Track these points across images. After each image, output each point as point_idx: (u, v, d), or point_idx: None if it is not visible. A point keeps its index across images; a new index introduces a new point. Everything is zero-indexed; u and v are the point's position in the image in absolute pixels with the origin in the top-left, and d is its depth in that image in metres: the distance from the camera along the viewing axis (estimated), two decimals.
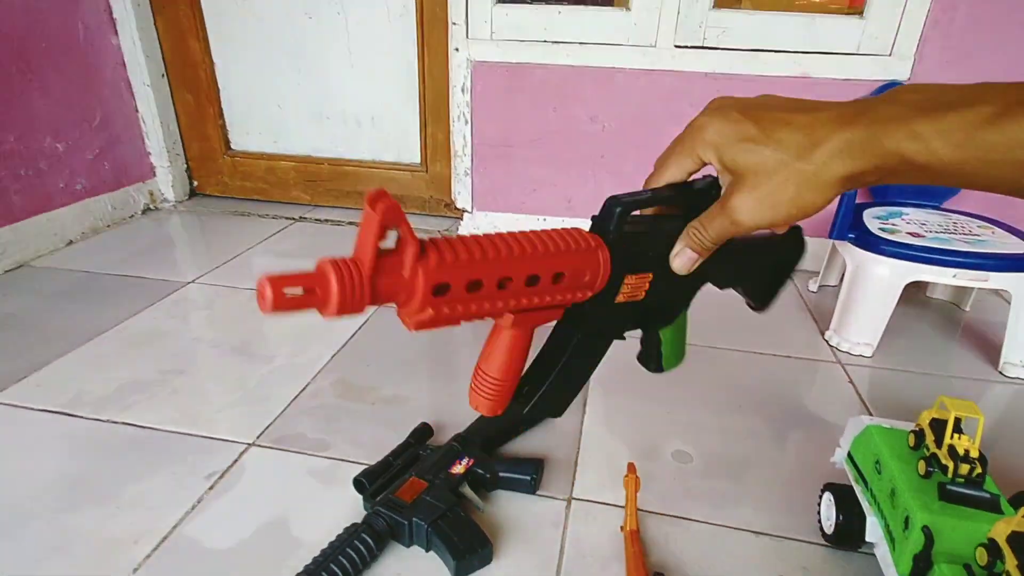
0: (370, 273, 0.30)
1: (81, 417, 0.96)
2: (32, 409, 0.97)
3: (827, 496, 0.77)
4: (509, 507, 0.81)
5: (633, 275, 0.41)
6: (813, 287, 1.52)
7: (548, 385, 0.41)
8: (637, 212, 0.41)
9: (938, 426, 0.67)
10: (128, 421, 0.95)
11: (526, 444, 0.93)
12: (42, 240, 1.54)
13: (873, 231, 1.19)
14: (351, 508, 0.79)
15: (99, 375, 1.06)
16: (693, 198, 0.41)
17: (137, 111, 1.81)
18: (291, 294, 0.29)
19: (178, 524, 0.76)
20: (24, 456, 0.87)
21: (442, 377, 1.11)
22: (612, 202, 0.38)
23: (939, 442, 0.66)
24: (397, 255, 0.30)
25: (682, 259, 0.41)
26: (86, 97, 1.64)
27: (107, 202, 1.73)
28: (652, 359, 0.50)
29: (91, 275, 1.46)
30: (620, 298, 0.41)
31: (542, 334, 0.41)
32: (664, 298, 0.44)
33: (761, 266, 0.50)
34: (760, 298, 0.52)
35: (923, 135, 0.31)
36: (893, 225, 1.23)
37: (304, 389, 1.05)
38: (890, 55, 1.40)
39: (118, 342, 1.17)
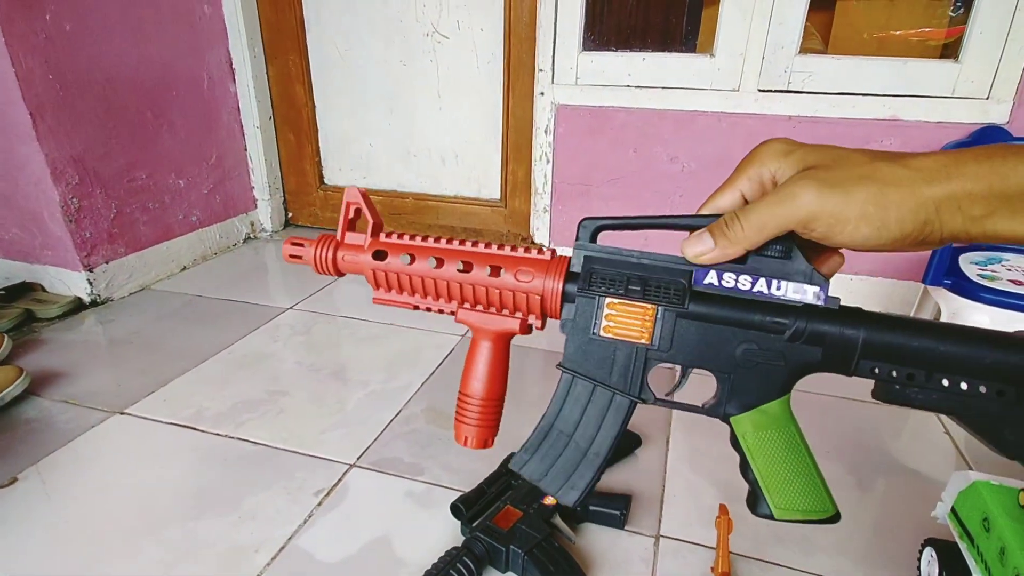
0: (336, 244, 0.43)
1: (203, 431, 1.05)
2: (161, 422, 1.07)
3: (928, 551, 0.75)
4: (598, 540, 0.83)
5: (619, 300, 0.36)
6: None
7: (539, 435, 0.38)
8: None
9: None
10: (242, 437, 1.04)
11: (611, 479, 0.95)
12: (161, 266, 1.70)
13: (971, 277, 1.16)
14: (449, 532, 0.83)
15: (215, 393, 1.16)
16: None
17: (246, 150, 1.99)
18: (295, 252, 0.45)
19: (292, 536, 0.83)
20: (157, 465, 0.97)
21: (526, 407, 1.15)
22: (586, 220, 0.37)
23: None
24: (364, 235, 0.42)
25: (693, 243, 0.34)
26: (206, 138, 1.82)
27: (216, 232, 1.89)
28: (749, 484, 0.36)
29: (202, 298, 1.60)
30: (605, 331, 0.36)
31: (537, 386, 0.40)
32: (688, 350, 0.35)
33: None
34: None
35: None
36: (993, 272, 1.19)
37: (398, 414, 1.11)
38: (987, 98, 1.37)
39: (229, 363, 1.28)
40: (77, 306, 1.50)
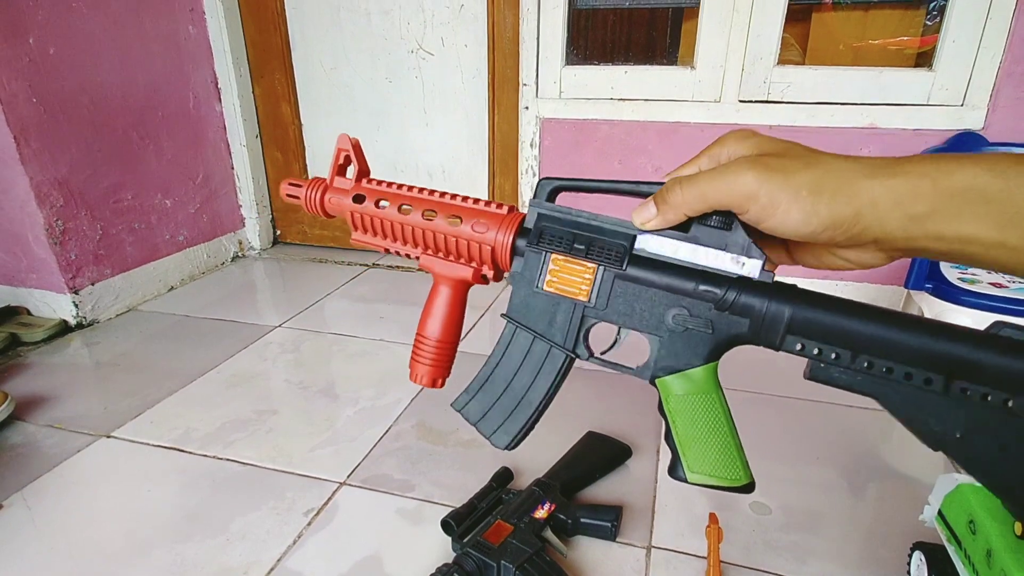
0: (325, 187, 0.47)
1: (191, 453, 1.04)
2: (148, 444, 1.07)
3: (918, 555, 0.76)
4: (590, 553, 0.83)
5: (563, 257, 0.37)
6: None
7: (480, 380, 0.39)
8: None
9: None
10: (231, 457, 1.03)
11: (603, 490, 0.95)
12: (148, 286, 1.69)
13: (952, 281, 1.18)
14: (440, 548, 0.83)
15: (204, 413, 1.16)
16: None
17: (233, 168, 1.99)
18: (291, 192, 0.49)
19: (282, 557, 0.82)
20: (144, 488, 0.96)
21: None
22: (544, 180, 0.40)
23: None
24: (351, 180, 0.46)
25: (640, 211, 0.35)
26: (192, 158, 1.82)
27: (203, 251, 1.89)
28: (670, 449, 0.36)
29: (190, 318, 1.59)
30: (548, 285, 0.37)
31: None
32: (623, 310, 0.36)
33: None
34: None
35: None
36: (973, 275, 1.21)
37: (388, 431, 1.11)
38: (962, 105, 1.40)
39: (217, 383, 1.27)
40: (63, 329, 1.49)
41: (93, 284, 1.53)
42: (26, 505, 0.91)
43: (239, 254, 2.06)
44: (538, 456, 1.02)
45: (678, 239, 0.35)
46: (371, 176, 0.47)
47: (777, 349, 0.33)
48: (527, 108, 1.67)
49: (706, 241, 0.34)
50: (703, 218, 0.35)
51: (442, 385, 0.42)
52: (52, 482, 0.97)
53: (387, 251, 0.45)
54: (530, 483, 0.90)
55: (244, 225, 2.07)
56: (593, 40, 1.79)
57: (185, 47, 1.75)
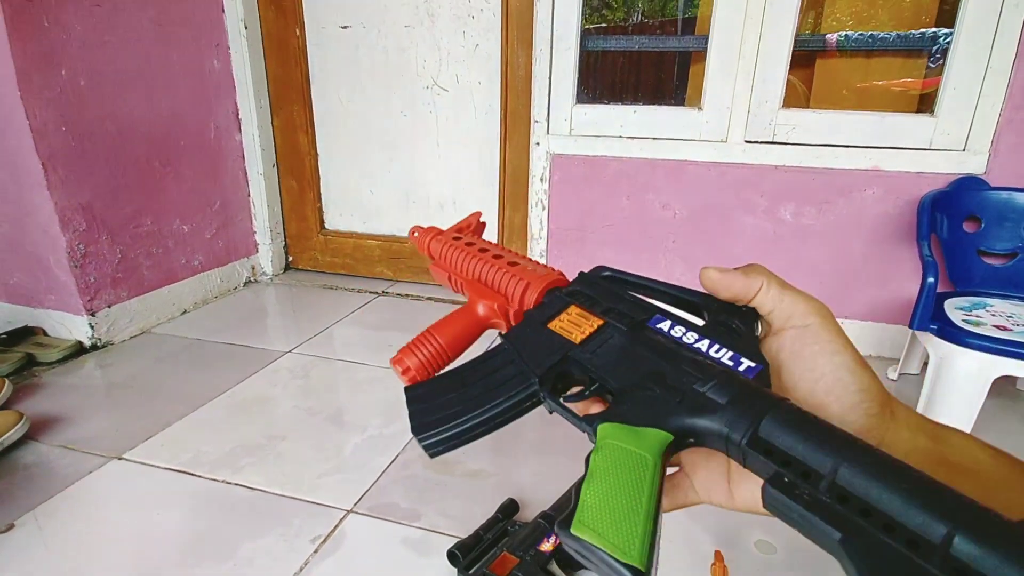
0: (435, 235, 0.51)
1: (200, 476, 1.05)
2: (159, 467, 1.08)
3: None
4: None
5: (579, 309, 0.36)
6: (893, 375, 1.50)
7: (439, 378, 0.37)
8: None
9: None
10: (240, 482, 1.04)
11: None
12: (163, 310, 1.72)
13: (956, 322, 1.19)
14: None
15: (214, 437, 1.17)
16: (717, 311, 0.33)
17: (249, 196, 2.04)
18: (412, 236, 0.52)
19: None
20: (154, 511, 0.97)
21: (522, 454, 1.16)
22: (599, 268, 0.39)
23: None
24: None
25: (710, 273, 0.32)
26: (211, 185, 1.87)
27: (217, 276, 1.92)
28: (572, 501, 0.28)
29: (202, 342, 1.61)
30: (551, 325, 0.36)
31: None
32: (606, 362, 0.34)
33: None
34: None
35: None
36: (978, 317, 1.22)
37: (395, 459, 1.12)
38: (964, 150, 1.43)
39: (228, 407, 1.29)
40: (78, 350, 1.51)
41: (110, 306, 1.56)
42: (37, 525, 0.93)
43: (252, 279, 2.09)
44: (543, 488, 1.02)
45: (689, 328, 0.33)
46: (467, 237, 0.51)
47: (741, 459, 0.27)
48: (538, 144, 1.72)
49: (714, 336, 0.32)
50: (727, 317, 0.32)
51: (410, 382, 0.39)
52: (64, 503, 0.98)
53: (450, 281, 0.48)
54: (536, 515, 0.90)
55: (258, 251, 2.11)
56: (603, 80, 1.84)
57: (209, 80, 1.82)
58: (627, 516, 0.26)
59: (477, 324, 0.42)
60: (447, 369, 0.39)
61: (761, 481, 0.25)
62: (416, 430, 0.34)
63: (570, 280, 0.40)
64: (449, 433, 0.34)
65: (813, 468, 0.24)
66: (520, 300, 0.40)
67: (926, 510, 0.20)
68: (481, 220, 0.51)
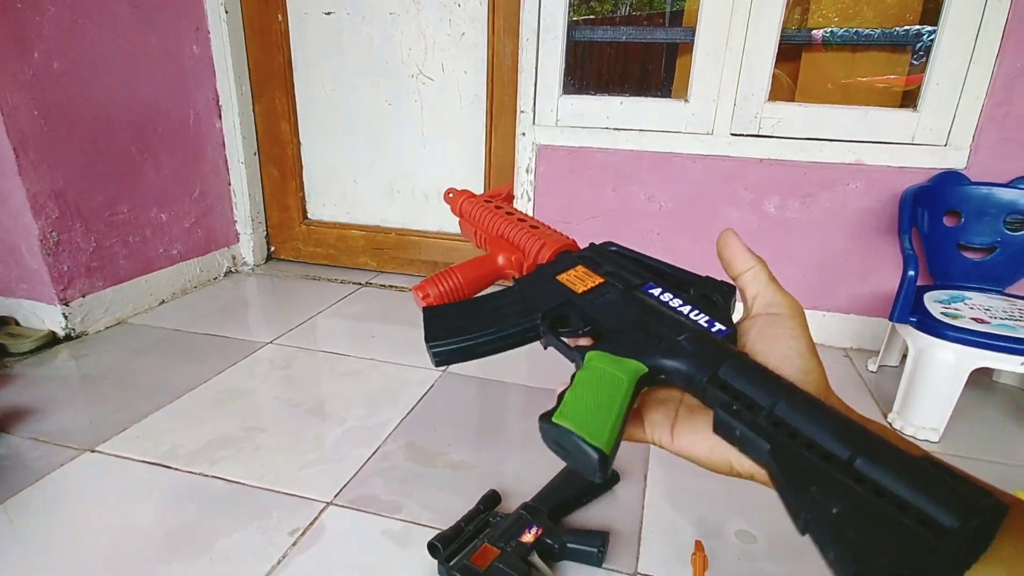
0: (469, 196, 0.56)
1: (176, 469, 1.04)
2: (134, 460, 1.06)
3: None
4: None
5: (585, 268, 0.42)
6: (872, 367, 1.51)
7: (455, 304, 0.42)
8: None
9: None
10: (217, 475, 1.02)
11: (589, 515, 0.95)
12: (140, 300, 1.69)
13: (935, 315, 1.20)
14: (426, 571, 0.83)
15: (190, 429, 1.15)
16: (702, 287, 0.38)
17: (230, 184, 2.00)
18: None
19: None
20: (128, 505, 0.95)
21: (505, 445, 1.15)
22: (608, 243, 0.44)
23: None
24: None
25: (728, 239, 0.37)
26: (190, 173, 1.83)
27: (196, 265, 1.89)
28: (557, 401, 0.34)
29: (180, 333, 1.58)
30: (559, 277, 0.41)
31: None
32: (601, 311, 0.39)
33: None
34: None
35: None
36: (956, 310, 1.24)
37: (376, 451, 1.11)
38: (945, 145, 1.44)
39: (206, 398, 1.27)
40: (51, 340, 1.48)
41: (84, 296, 1.53)
42: (8, 519, 0.90)
43: (232, 269, 2.06)
44: (526, 480, 1.02)
45: (676, 295, 0.38)
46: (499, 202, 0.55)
47: (700, 395, 0.32)
48: (524, 135, 1.71)
49: (697, 303, 0.37)
50: (710, 292, 0.37)
51: (427, 305, 0.43)
52: (35, 496, 0.96)
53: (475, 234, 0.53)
54: (518, 507, 0.90)
55: (238, 240, 2.08)
56: (590, 71, 1.83)
57: (189, 65, 1.78)
58: (599, 415, 0.31)
59: (494, 271, 0.47)
60: (466, 300, 0.44)
61: (698, 431, 0.33)
62: (428, 338, 0.38)
63: (582, 248, 0.45)
64: (456, 345, 0.38)
65: (757, 402, 0.29)
66: (535, 255, 0.45)
67: (837, 437, 0.26)
68: (512, 192, 0.56)
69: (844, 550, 0.23)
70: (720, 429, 0.30)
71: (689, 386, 0.33)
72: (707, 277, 0.39)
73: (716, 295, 0.37)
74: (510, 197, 0.56)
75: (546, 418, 0.32)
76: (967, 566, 0.22)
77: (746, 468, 0.31)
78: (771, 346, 0.32)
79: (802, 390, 0.30)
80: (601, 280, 0.40)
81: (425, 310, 0.41)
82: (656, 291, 0.38)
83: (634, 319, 0.37)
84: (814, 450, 0.26)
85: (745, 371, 0.31)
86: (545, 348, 0.40)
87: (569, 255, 0.43)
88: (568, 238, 0.46)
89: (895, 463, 0.25)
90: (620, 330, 0.36)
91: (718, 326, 0.35)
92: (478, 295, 0.44)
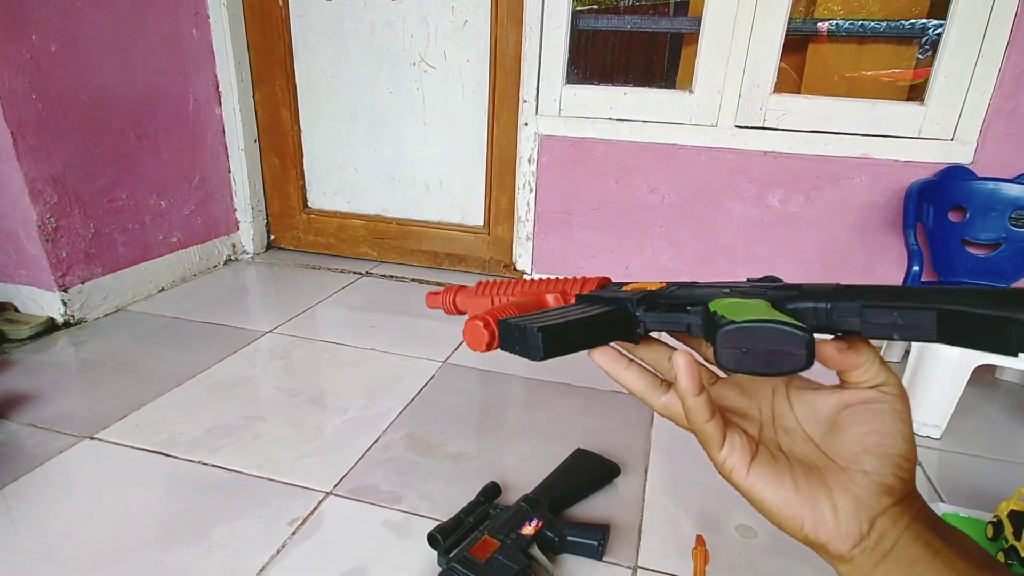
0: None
1: (175, 457, 1.03)
2: (132, 448, 1.05)
3: None
4: (576, 572, 0.83)
5: (639, 283, 0.40)
6: None
7: (541, 315, 0.37)
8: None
9: (1017, 518, 0.67)
10: (216, 464, 1.02)
11: (590, 508, 0.95)
12: (139, 287, 1.68)
13: None
14: (425, 562, 0.82)
15: (190, 418, 1.15)
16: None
17: (230, 172, 1.99)
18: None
19: (264, 567, 0.81)
20: (127, 492, 0.95)
21: (505, 437, 1.15)
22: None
23: (1018, 534, 0.66)
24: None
25: (680, 367, 0.31)
26: (189, 159, 1.82)
27: (196, 253, 1.88)
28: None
29: (180, 320, 1.58)
30: (626, 288, 0.40)
31: None
32: (685, 297, 0.36)
33: None
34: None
35: None
36: None
37: (376, 441, 1.10)
38: (952, 139, 1.43)
39: (205, 387, 1.26)
40: (50, 327, 1.47)
41: (83, 283, 1.52)
42: (6, 505, 0.90)
43: (232, 257, 2.05)
44: (526, 472, 1.02)
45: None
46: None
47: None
48: (526, 124, 1.69)
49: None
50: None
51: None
52: (33, 482, 0.95)
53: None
54: (518, 499, 0.89)
55: (238, 229, 2.07)
56: (594, 60, 1.81)
57: (188, 50, 1.76)
58: (769, 313, 0.28)
59: (544, 304, 0.42)
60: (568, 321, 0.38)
61: (781, 477, 0.32)
62: (530, 327, 0.33)
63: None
64: (561, 325, 0.33)
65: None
66: (581, 287, 0.41)
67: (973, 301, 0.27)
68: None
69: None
70: (873, 324, 0.29)
71: (815, 315, 0.31)
72: (749, 279, 0.37)
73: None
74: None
75: (725, 325, 0.28)
76: None
77: (820, 534, 0.30)
78: (879, 422, 0.30)
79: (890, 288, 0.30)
80: (662, 283, 0.38)
81: (504, 321, 0.36)
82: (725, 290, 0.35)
83: (719, 293, 0.33)
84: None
85: (864, 288, 0.30)
86: (638, 339, 0.36)
87: (612, 284, 0.41)
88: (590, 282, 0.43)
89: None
90: (713, 296, 0.33)
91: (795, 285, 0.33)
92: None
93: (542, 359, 0.32)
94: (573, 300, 0.41)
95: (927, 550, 0.28)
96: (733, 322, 0.28)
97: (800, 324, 0.27)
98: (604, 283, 0.42)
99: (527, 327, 0.32)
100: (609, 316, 0.35)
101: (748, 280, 0.35)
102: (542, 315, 0.36)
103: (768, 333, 0.27)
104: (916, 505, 0.30)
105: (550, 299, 0.42)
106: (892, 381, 0.31)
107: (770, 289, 0.33)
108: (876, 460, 0.29)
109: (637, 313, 0.35)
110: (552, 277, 0.44)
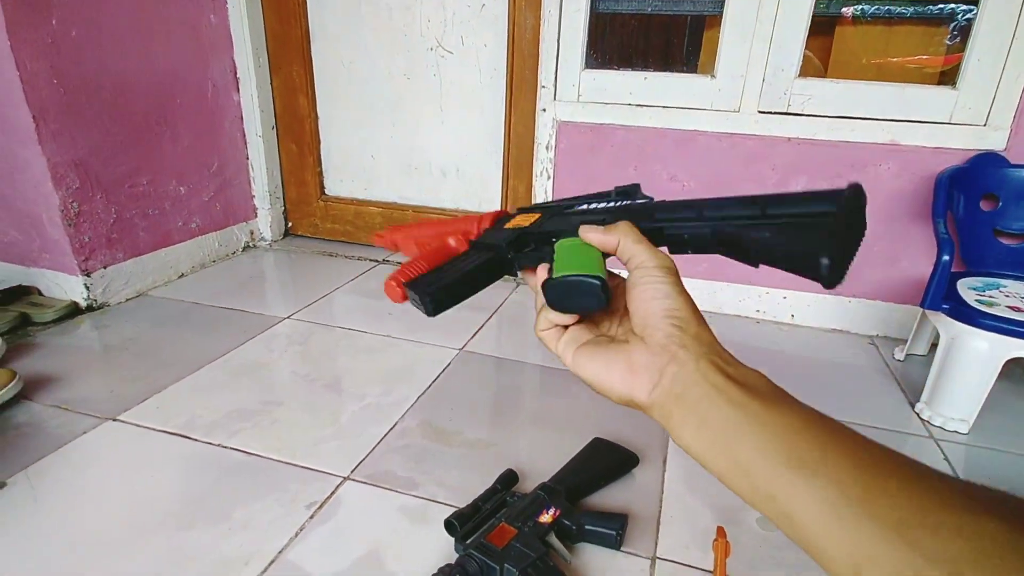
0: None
1: (195, 440, 1.04)
2: (153, 429, 1.06)
3: None
4: (594, 561, 0.82)
5: (524, 214, 0.48)
6: (900, 355, 1.48)
7: (439, 271, 0.45)
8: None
9: None
10: (235, 447, 1.03)
11: (608, 498, 0.94)
12: (159, 272, 1.70)
13: (970, 303, 1.16)
14: (442, 548, 0.82)
15: (209, 401, 1.15)
16: (621, 194, 0.44)
17: (247, 158, 1.99)
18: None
19: (283, 549, 0.82)
20: (147, 473, 0.96)
21: (522, 425, 1.14)
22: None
23: None
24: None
25: (591, 229, 0.40)
26: (208, 146, 1.82)
27: (215, 239, 1.89)
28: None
29: (199, 306, 1.59)
30: (507, 225, 0.47)
31: None
32: (549, 227, 0.45)
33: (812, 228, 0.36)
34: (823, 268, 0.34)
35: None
36: (991, 297, 1.20)
37: (393, 428, 1.10)
38: (985, 125, 1.38)
39: (225, 371, 1.27)
40: (73, 311, 1.49)
41: (105, 267, 1.54)
42: (29, 484, 0.91)
43: (250, 244, 2.06)
44: (543, 460, 1.01)
45: (600, 201, 0.44)
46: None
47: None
48: (544, 110, 1.67)
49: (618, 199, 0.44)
50: (628, 193, 0.44)
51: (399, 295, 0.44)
52: (56, 463, 0.97)
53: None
54: (535, 487, 0.89)
55: (256, 215, 2.08)
56: (613, 44, 1.78)
57: (206, 35, 1.76)
58: (586, 262, 0.38)
59: (449, 250, 0.48)
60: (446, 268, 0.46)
61: (596, 358, 0.38)
62: (416, 288, 0.42)
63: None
64: (439, 284, 0.42)
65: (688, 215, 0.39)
66: (478, 225, 0.49)
67: (747, 205, 0.35)
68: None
69: (776, 259, 0.34)
70: (670, 241, 0.39)
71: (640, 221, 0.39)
72: (616, 187, 0.45)
73: (632, 194, 0.44)
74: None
75: (549, 278, 0.38)
76: (863, 224, 0.35)
77: (624, 390, 0.36)
78: (641, 292, 0.36)
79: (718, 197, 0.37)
80: (539, 214, 0.46)
81: (407, 283, 0.44)
82: (583, 206, 0.45)
83: (575, 222, 0.42)
84: (738, 221, 0.36)
85: (672, 204, 0.39)
86: (517, 274, 0.46)
87: (506, 215, 0.49)
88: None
89: (786, 200, 0.34)
90: (569, 229, 0.42)
91: (640, 201, 0.43)
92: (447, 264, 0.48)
93: (434, 315, 0.41)
94: (474, 235, 0.49)
95: (711, 389, 0.32)
96: (551, 278, 0.38)
97: (596, 274, 0.36)
98: (499, 216, 0.50)
99: (420, 291, 0.41)
100: (488, 263, 0.44)
101: (615, 188, 0.45)
102: (439, 273, 0.44)
103: (573, 284, 0.37)
104: (702, 350, 0.33)
105: (452, 242, 0.48)
106: (642, 254, 0.37)
107: (620, 209, 0.41)
108: (652, 320, 0.35)
109: (510, 256, 0.44)
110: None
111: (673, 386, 0.33)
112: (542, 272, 0.41)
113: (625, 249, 0.38)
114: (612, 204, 0.43)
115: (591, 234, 0.39)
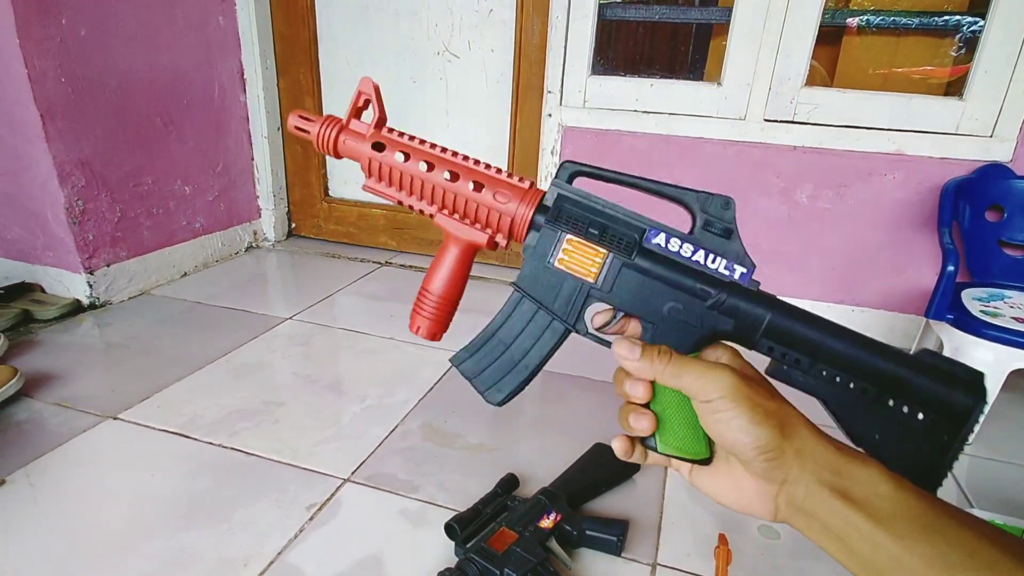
0: (341, 127, 0.44)
1: (196, 439, 1.04)
2: (154, 429, 1.06)
3: None
4: (594, 567, 0.81)
5: (577, 239, 0.39)
6: None
7: (480, 340, 0.42)
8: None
9: None
10: (236, 447, 1.02)
11: (609, 503, 0.94)
12: (162, 271, 1.70)
13: (974, 313, 1.16)
14: (442, 552, 0.82)
15: (210, 401, 1.15)
16: (703, 203, 0.38)
17: (253, 159, 2.00)
18: (301, 125, 0.45)
19: (282, 551, 0.81)
20: (148, 473, 0.95)
21: (524, 429, 1.14)
22: (567, 163, 0.42)
23: None
24: (368, 125, 0.44)
25: (623, 344, 0.37)
26: (213, 146, 1.83)
27: (219, 239, 1.89)
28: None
29: (202, 305, 1.59)
30: (559, 263, 0.39)
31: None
32: (627, 299, 0.39)
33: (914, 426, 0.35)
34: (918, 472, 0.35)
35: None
36: (996, 308, 1.19)
37: (394, 430, 1.10)
38: (991, 136, 1.38)
39: (226, 371, 1.27)
40: (75, 308, 1.49)
41: (108, 266, 1.54)
42: (29, 482, 0.91)
43: (253, 244, 2.06)
44: (544, 465, 1.00)
45: (683, 239, 0.38)
46: (388, 125, 0.45)
47: (751, 348, 0.38)
48: (550, 115, 1.67)
49: (707, 245, 0.38)
50: (707, 223, 0.38)
51: (439, 338, 0.44)
52: (56, 460, 0.96)
53: (400, 203, 0.45)
54: (536, 492, 0.88)
55: (260, 216, 2.08)
56: (620, 51, 1.79)
57: (214, 37, 1.76)
58: (689, 429, 0.36)
59: (464, 262, 0.44)
60: (482, 336, 0.43)
61: (719, 474, 0.38)
62: (492, 400, 0.42)
63: (539, 188, 0.43)
64: (516, 389, 0.42)
65: (802, 355, 0.36)
66: (508, 231, 0.42)
67: (865, 366, 0.35)
68: (372, 84, 0.44)
69: (886, 463, 0.32)
70: (776, 376, 0.37)
71: (738, 342, 0.37)
72: (699, 192, 0.39)
73: (715, 222, 0.38)
74: (383, 119, 0.46)
75: (652, 447, 0.38)
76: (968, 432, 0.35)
77: (746, 509, 0.36)
78: (716, 429, 0.34)
79: (837, 328, 0.36)
80: (603, 253, 0.39)
81: (457, 366, 0.42)
82: (661, 239, 0.39)
83: (661, 293, 0.38)
84: (853, 391, 0.34)
85: (785, 324, 0.36)
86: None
87: (547, 217, 0.41)
88: (523, 184, 0.43)
89: (912, 386, 0.33)
90: (657, 319, 0.38)
91: (738, 269, 0.37)
92: (492, 325, 0.43)
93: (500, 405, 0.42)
94: (497, 241, 0.42)
95: (832, 518, 0.32)
96: (656, 447, 0.39)
97: (704, 458, 0.38)
98: (536, 208, 0.42)
99: (481, 391, 0.41)
100: (550, 354, 0.41)
101: (698, 192, 0.39)
102: (492, 353, 0.41)
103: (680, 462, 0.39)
104: (805, 475, 0.33)
105: (455, 251, 0.43)
106: (693, 385, 0.35)
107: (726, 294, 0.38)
108: (743, 456, 0.34)
109: (580, 331, 0.40)
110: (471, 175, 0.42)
111: (795, 518, 0.34)
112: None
113: (667, 380, 0.36)
114: (705, 262, 0.37)
115: (621, 350, 0.37)
